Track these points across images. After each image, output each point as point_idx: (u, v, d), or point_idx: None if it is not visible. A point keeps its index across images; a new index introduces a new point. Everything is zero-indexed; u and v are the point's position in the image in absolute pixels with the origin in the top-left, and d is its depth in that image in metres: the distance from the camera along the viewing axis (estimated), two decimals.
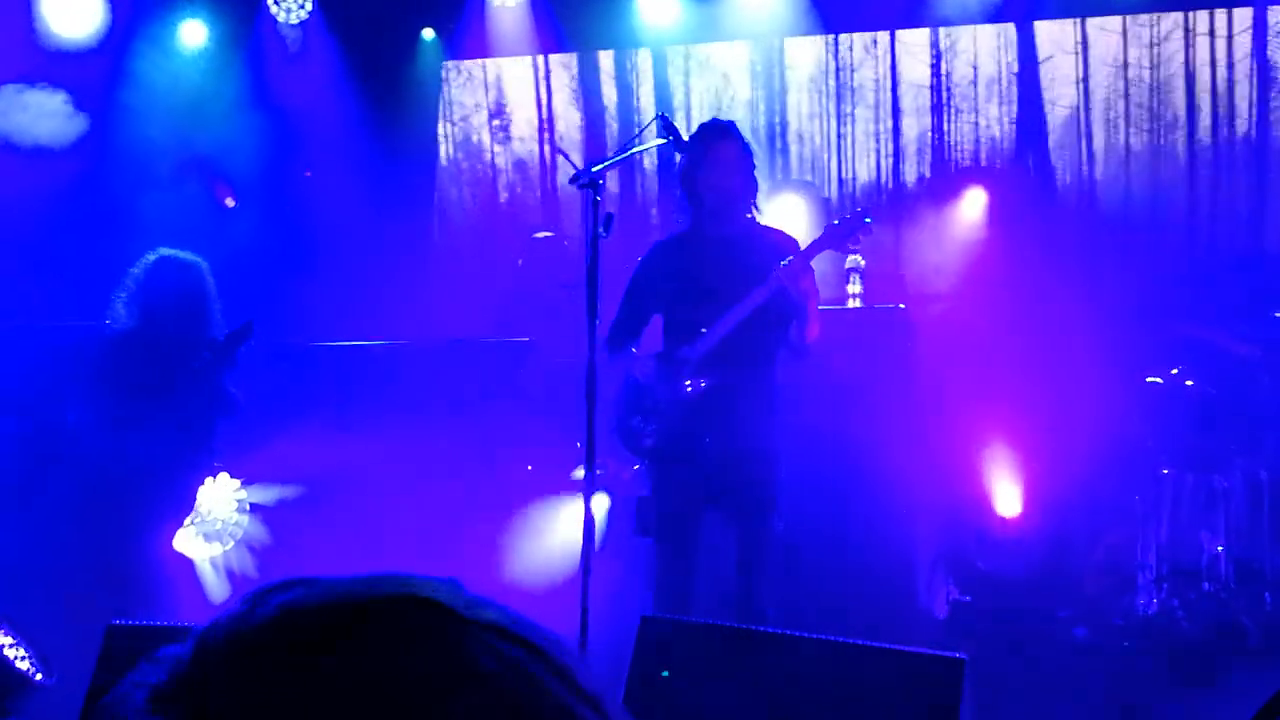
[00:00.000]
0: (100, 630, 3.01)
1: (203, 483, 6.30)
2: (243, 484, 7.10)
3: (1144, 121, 8.55)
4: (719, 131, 5.20)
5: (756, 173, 5.28)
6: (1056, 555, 6.83)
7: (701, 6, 8.85)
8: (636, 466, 5.23)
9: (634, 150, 4.97)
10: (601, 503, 6.33)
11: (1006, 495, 6.90)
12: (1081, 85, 8.65)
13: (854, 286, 7.31)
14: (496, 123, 9.89)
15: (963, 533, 6.91)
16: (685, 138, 5.05)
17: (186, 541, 6.48)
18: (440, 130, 9.93)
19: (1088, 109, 8.65)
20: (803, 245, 5.08)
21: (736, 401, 5.04)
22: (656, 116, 5.00)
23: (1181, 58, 8.45)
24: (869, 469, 6.55)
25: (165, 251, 6.09)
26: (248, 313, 8.61)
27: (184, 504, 6.18)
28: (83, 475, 5.94)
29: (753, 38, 9.19)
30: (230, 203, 9.43)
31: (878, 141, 9.08)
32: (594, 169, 4.44)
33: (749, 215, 5.25)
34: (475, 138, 9.95)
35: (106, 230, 7.87)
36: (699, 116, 8.60)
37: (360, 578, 0.83)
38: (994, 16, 8.61)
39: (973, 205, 8.52)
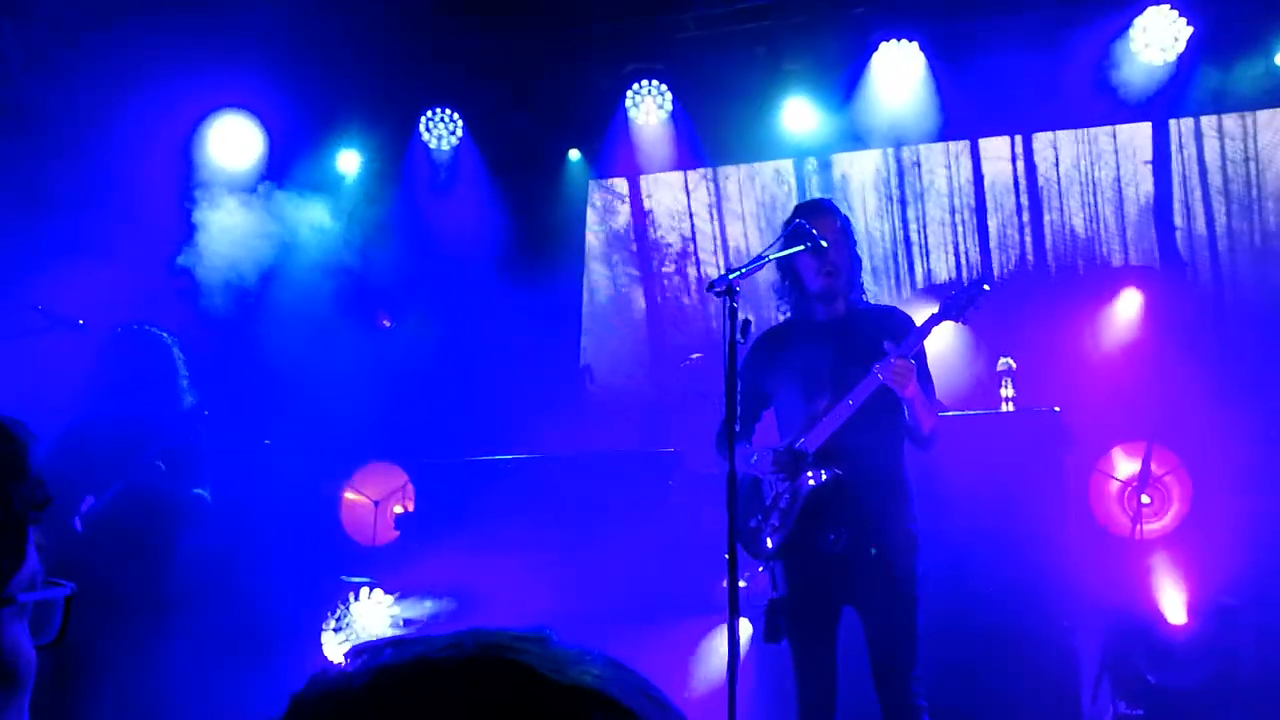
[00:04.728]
0: None
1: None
2: (395, 599, 7.19)
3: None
4: (816, 209, 5.04)
5: (858, 249, 5.09)
6: (1230, 667, 6.51)
7: (841, 116, 8.88)
8: (761, 569, 5.01)
9: (770, 257, 4.90)
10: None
11: (1174, 603, 6.62)
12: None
13: (1006, 390, 7.17)
14: (640, 235, 10.05)
15: (1129, 643, 6.63)
16: (824, 244, 4.86)
17: (339, 655, 6.55)
18: (586, 246, 10.13)
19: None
20: (918, 322, 4.83)
21: (860, 494, 4.78)
22: (792, 222, 4.94)
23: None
24: (1027, 575, 6.34)
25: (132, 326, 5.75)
26: (403, 430, 8.85)
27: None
28: None
29: (894, 145, 9.21)
30: (387, 323, 9.69)
31: (1021, 234, 9.00)
32: (730, 275, 4.42)
33: (856, 294, 5.06)
34: (621, 252, 10.11)
35: (267, 352, 8.13)
36: None
37: (453, 637, 0.84)
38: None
39: (1127, 305, 8.37)
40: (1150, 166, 8.69)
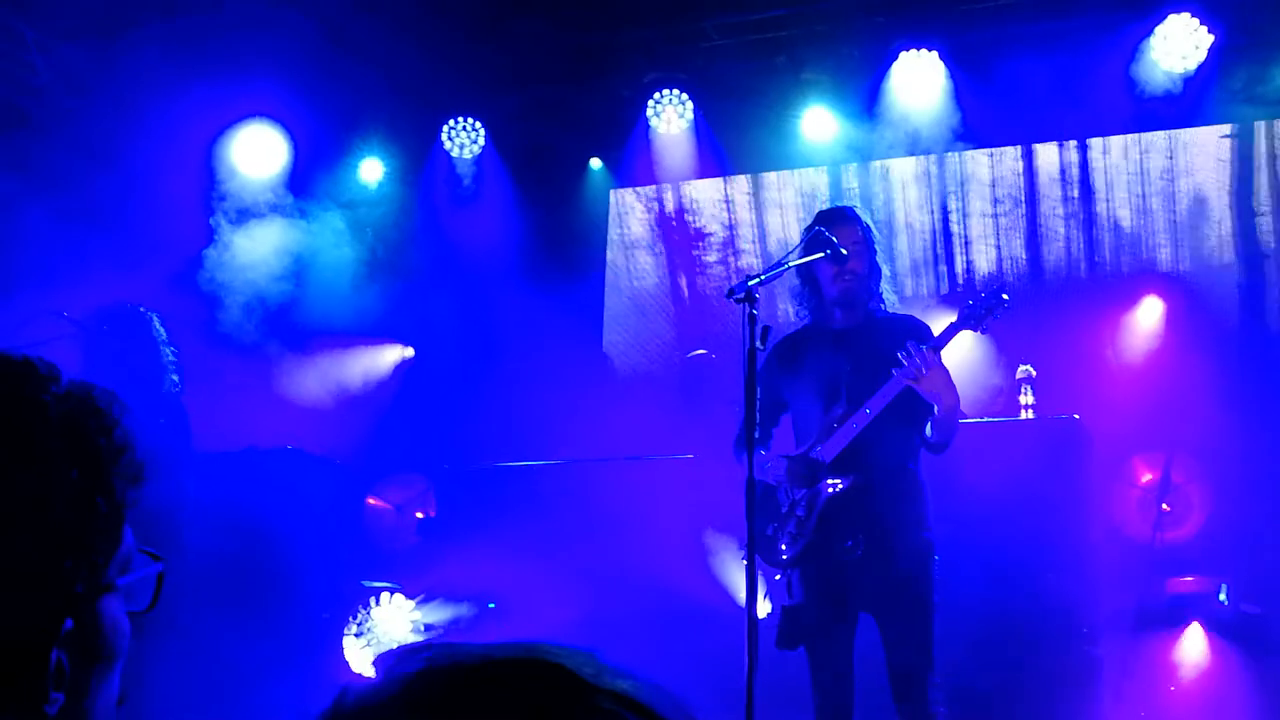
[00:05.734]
0: None
1: None
2: (417, 604, 7.22)
3: None
4: (837, 216, 5.04)
5: (879, 258, 5.09)
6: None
7: (864, 125, 8.87)
8: (778, 576, 5.00)
9: (790, 264, 4.91)
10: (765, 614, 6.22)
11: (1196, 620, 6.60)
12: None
13: (1025, 397, 7.15)
14: (659, 244, 10.05)
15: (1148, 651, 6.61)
16: (844, 252, 4.85)
17: (360, 660, 6.59)
18: (608, 254, 10.14)
19: None
20: (936, 331, 4.86)
21: (877, 502, 4.79)
22: (812, 229, 4.95)
23: None
24: (1046, 582, 6.33)
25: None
26: (426, 436, 8.88)
27: None
28: None
29: (921, 154, 9.17)
30: (410, 352, 9.72)
31: (1069, 229, 8.92)
32: (750, 282, 4.43)
33: (875, 303, 5.07)
34: (641, 260, 10.11)
35: (292, 359, 8.18)
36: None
37: (494, 644, 0.85)
38: None
39: (1148, 313, 8.34)
40: (1230, 142, 8.54)
